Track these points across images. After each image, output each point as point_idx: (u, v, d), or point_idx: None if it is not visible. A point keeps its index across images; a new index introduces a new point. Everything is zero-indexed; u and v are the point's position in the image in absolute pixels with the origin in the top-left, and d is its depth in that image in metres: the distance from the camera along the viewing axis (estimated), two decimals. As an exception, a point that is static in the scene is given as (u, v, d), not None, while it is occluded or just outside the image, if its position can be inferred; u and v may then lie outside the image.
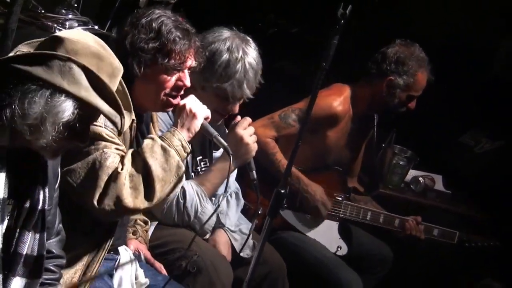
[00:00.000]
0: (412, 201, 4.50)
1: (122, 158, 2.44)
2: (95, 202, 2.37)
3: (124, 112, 1.93)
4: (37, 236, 2.02)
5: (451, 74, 4.86)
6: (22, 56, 1.85)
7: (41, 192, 2.02)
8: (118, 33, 2.60)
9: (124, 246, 2.78)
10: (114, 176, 2.39)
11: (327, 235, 3.88)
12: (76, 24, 3.38)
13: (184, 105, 2.64)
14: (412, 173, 4.61)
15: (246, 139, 3.05)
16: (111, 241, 2.58)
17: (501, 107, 5.01)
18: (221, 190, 3.21)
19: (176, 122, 2.64)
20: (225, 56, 3.02)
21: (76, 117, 1.85)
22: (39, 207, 2.01)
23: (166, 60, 2.54)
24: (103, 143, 2.41)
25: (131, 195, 2.40)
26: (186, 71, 2.61)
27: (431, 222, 4.01)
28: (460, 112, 5.12)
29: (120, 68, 1.97)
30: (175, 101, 2.63)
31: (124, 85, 2.05)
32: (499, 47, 5.48)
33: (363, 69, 3.89)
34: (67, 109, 1.84)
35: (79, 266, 2.50)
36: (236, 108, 3.11)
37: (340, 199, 3.95)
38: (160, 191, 2.45)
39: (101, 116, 1.94)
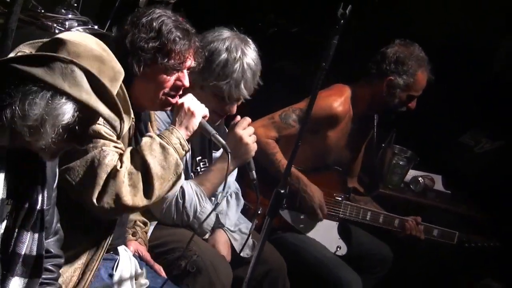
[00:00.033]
0: (411, 201, 4.50)
1: (121, 156, 2.44)
2: (94, 200, 2.38)
3: (124, 116, 1.94)
4: (36, 236, 2.03)
5: (451, 74, 4.86)
6: (24, 57, 1.86)
7: (40, 192, 2.02)
8: (118, 31, 2.59)
9: (123, 246, 2.78)
10: (113, 174, 2.39)
11: (327, 235, 3.89)
12: (76, 24, 3.38)
13: (182, 104, 2.65)
14: (411, 173, 4.61)
15: (245, 139, 3.06)
16: (110, 239, 2.58)
17: (501, 107, 5.02)
18: (220, 189, 3.21)
19: (175, 121, 2.64)
20: (224, 55, 3.02)
21: (76, 119, 1.86)
22: (38, 207, 2.01)
23: (165, 60, 2.54)
24: (102, 141, 2.41)
25: (130, 192, 2.40)
26: (185, 71, 2.61)
27: (430, 222, 4.01)
28: (460, 112, 5.12)
29: (121, 72, 1.98)
30: (173, 100, 2.64)
31: (124, 89, 2.05)
32: (499, 47, 5.48)
33: (363, 69, 3.89)
34: (68, 111, 1.84)
35: (79, 265, 2.50)
36: (234, 109, 3.11)
37: (340, 199, 3.95)
38: (159, 189, 2.46)
39: None
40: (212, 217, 3.18)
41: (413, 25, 5.32)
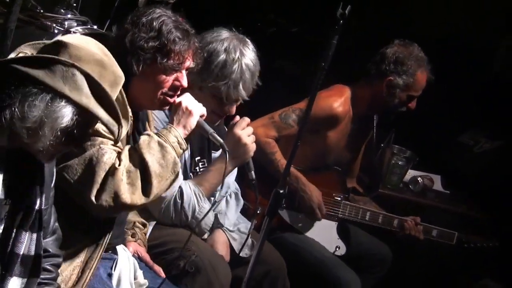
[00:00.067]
0: (411, 201, 4.50)
1: (119, 154, 2.45)
2: (93, 198, 2.38)
3: (122, 121, 1.94)
4: (34, 236, 2.03)
5: (451, 74, 4.86)
6: (25, 58, 1.86)
7: (39, 192, 2.02)
8: (118, 29, 2.60)
9: (122, 246, 2.78)
10: (112, 171, 2.40)
11: (326, 235, 3.89)
12: (75, 24, 3.39)
13: (180, 103, 2.65)
14: (411, 173, 4.61)
15: (244, 139, 3.06)
16: (109, 237, 2.58)
17: (500, 107, 5.02)
18: (219, 189, 3.21)
19: (172, 119, 2.65)
20: (222, 56, 3.02)
21: (75, 123, 1.86)
22: (36, 207, 2.02)
23: (165, 60, 2.54)
24: (100, 139, 2.41)
25: (128, 190, 2.41)
26: (183, 71, 2.62)
27: (429, 222, 4.01)
28: (459, 112, 5.12)
29: (122, 77, 1.98)
30: (171, 100, 2.64)
31: (124, 94, 2.06)
32: (499, 47, 5.48)
33: (363, 69, 3.89)
34: (67, 114, 1.84)
35: (77, 263, 2.51)
36: (233, 109, 3.11)
37: (339, 199, 3.95)
38: (157, 187, 2.47)
39: None
40: (211, 217, 3.18)
41: (413, 25, 5.33)
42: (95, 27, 3.49)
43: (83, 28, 3.39)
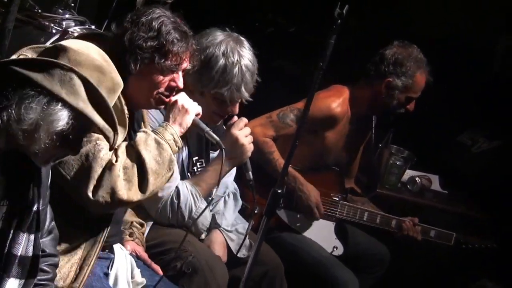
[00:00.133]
0: (408, 201, 4.50)
1: (116, 150, 2.45)
2: (90, 194, 2.39)
3: (118, 128, 1.95)
4: (32, 237, 2.03)
5: (451, 74, 4.86)
6: (24, 61, 1.86)
7: (36, 193, 2.03)
8: (117, 28, 2.60)
9: (119, 245, 2.78)
10: (109, 167, 2.41)
11: (323, 235, 3.89)
12: (73, 24, 3.39)
13: (176, 101, 2.67)
14: (408, 173, 4.61)
15: (241, 140, 3.06)
16: (107, 234, 2.58)
17: (500, 107, 5.02)
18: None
19: (168, 117, 2.66)
20: (221, 61, 3.02)
21: (71, 127, 1.86)
22: (34, 208, 2.02)
23: (162, 60, 2.55)
24: (96, 135, 2.41)
25: (125, 187, 2.42)
26: (180, 72, 2.62)
27: (427, 222, 4.01)
28: (458, 111, 5.12)
29: (120, 84, 1.99)
30: (167, 100, 2.65)
31: (122, 101, 2.07)
32: (499, 47, 5.48)
33: (362, 69, 3.89)
34: (63, 118, 1.85)
35: (75, 260, 2.51)
36: (236, 109, 3.12)
37: (337, 199, 3.95)
38: (153, 183, 2.48)
39: None
40: (208, 217, 3.18)
41: (413, 25, 5.32)
42: (93, 27, 3.49)
43: (81, 28, 3.39)
